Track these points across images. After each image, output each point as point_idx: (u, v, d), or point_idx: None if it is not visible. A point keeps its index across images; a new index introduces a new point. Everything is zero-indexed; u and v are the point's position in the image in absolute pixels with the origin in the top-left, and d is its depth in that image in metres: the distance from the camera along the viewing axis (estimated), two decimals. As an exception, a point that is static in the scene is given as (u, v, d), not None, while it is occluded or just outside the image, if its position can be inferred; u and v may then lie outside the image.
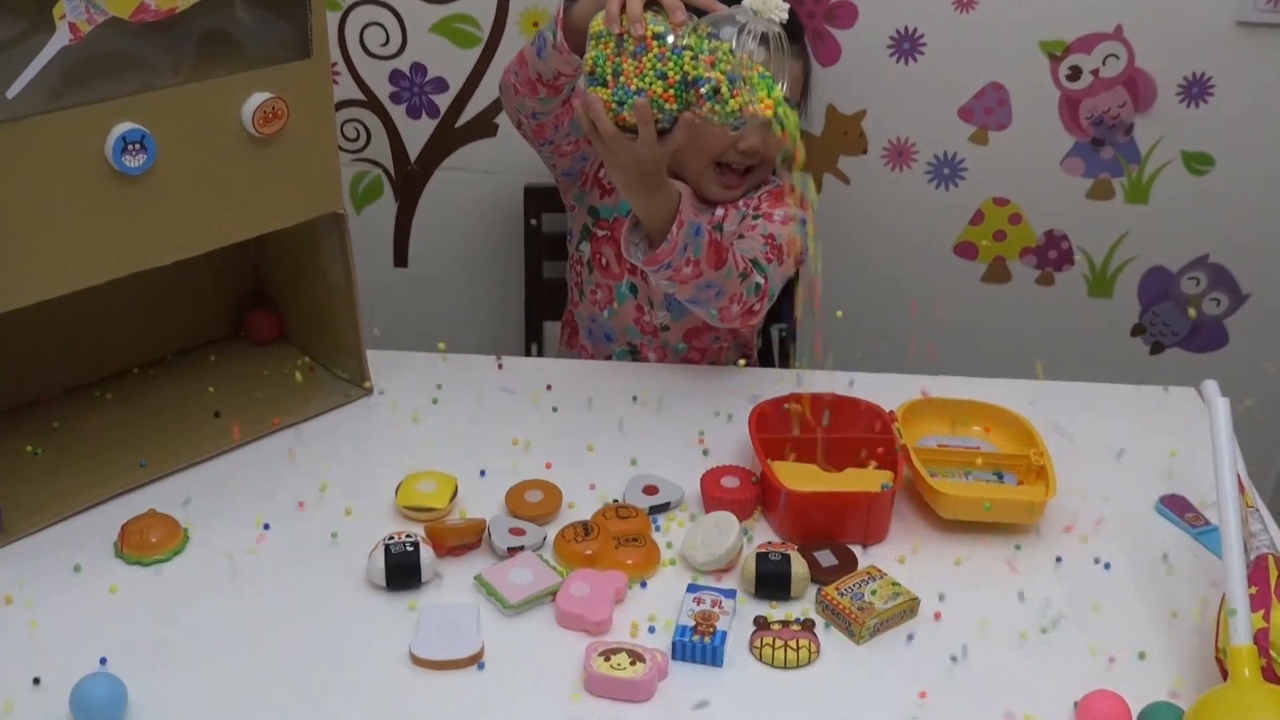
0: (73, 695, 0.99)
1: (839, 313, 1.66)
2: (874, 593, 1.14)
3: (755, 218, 1.58)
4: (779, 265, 1.50)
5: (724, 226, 1.59)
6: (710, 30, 1.22)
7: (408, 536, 1.16)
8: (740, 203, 1.61)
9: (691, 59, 1.21)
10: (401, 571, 1.14)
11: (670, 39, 1.21)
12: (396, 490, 1.27)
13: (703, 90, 1.21)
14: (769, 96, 1.21)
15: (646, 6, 1.22)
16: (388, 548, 1.14)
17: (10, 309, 1.16)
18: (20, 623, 1.11)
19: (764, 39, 1.22)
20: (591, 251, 1.66)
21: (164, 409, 1.43)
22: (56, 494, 1.27)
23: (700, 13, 1.24)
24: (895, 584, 1.15)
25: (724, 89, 1.21)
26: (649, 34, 1.21)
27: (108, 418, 1.41)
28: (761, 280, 1.46)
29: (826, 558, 1.20)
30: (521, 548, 1.19)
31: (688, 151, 1.56)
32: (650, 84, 1.22)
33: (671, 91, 1.22)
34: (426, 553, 1.15)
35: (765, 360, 1.84)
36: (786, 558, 1.16)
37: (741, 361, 1.66)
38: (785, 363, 1.86)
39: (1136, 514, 1.31)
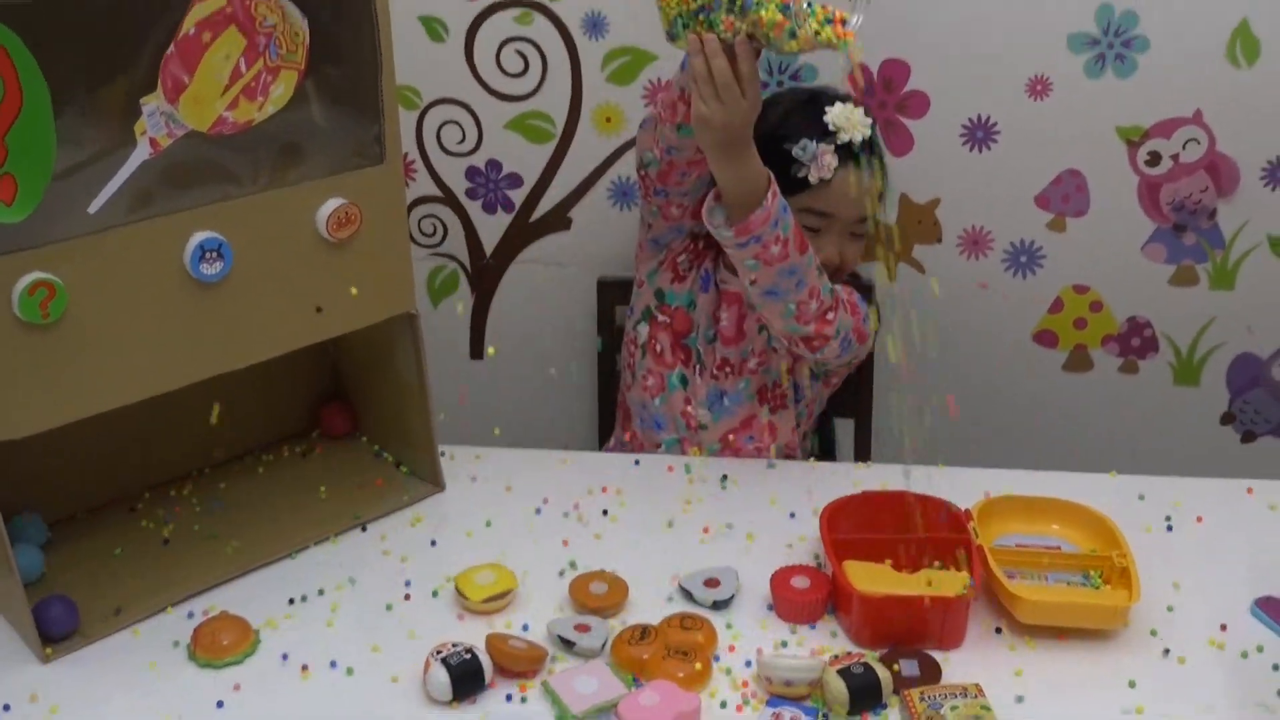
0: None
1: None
2: (954, 709, 1.10)
3: None
4: (841, 299, 1.50)
5: None
6: None
7: (455, 646, 1.15)
8: None
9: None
10: (468, 680, 1.13)
11: None
12: (455, 585, 1.28)
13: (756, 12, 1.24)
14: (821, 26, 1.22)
15: None
16: (445, 661, 1.13)
17: (91, 414, 1.18)
18: (93, 727, 1.13)
19: None
20: (649, 335, 1.65)
21: (239, 508, 1.45)
22: (133, 595, 1.29)
23: None
24: (986, 708, 1.10)
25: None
26: None
27: (186, 516, 1.43)
28: (833, 287, 1.46)
29: (910, 667, 1.17)
30: (574, 644, 1.19)
31: None
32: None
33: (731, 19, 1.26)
34: (485, 658, 1.14)
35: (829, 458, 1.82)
36: (867, 667, 1.13)
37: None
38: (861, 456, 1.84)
39: (1230, 617, 1.26)
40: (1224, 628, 1.24)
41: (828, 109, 1.52)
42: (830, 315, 1.46)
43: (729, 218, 1.37)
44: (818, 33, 1.21)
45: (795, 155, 1.50)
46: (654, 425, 1.67)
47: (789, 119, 1.55)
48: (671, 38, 1.34)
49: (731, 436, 1.62)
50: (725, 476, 1.51)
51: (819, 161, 1.50)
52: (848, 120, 1.51)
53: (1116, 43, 1.73)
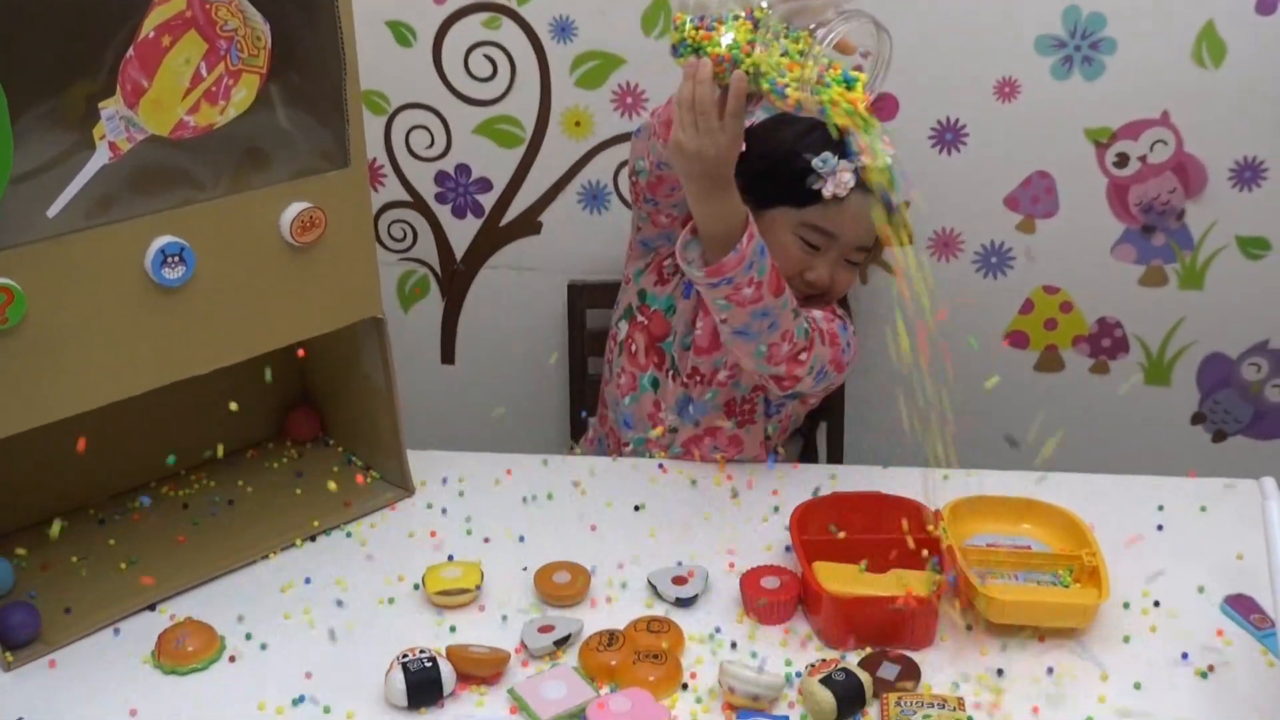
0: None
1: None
2: (926, 718, 1.09)
3: None
4: (818, 336, 1.45)
5: None
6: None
7: (422, 652, 1.14)
8: None
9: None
10: (423, 689, 1.12)
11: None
12: (422, 581, 1.28)
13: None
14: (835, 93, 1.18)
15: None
16: (405, 666, 1.12)
17: (53, 420, 1.17)
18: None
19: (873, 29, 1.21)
20: (627, 333, 1.65)
21: (204, 513, 1.44)
22: (96, 602, 1.28)
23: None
24: None
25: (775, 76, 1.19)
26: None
27: (148, 523, 1.42)
28: (808, 326, 1.41)
29: (889, 670, 1.16)
30: (567, 636, 1.20)
31: None
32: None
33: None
34: (446, 667, 1.13)
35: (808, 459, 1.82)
36: (848, 673, 1.12)
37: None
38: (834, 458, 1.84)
39: (1199, 615, 1.26)
40: (1187, 629, 1.24)
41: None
42: (803, 356, 1.41)
43: (704, 254, 1.34)
44: (824, 100, 1.18)
45: (815, 166, 1.47)
46: (624, 423, 1.67)
47: (813, 133, 1.51)
48: (675, 55, 1.29)
49: (695, 444, 1.61)
50: (694, 481, 1.51)
51: (837, 177, 1.48)
52: (873, 146, 1.48)
53: (1084, 45, 1.74)
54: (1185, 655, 1.20)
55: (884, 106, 1.80)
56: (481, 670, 1.14)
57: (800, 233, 1.51)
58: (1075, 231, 1.85)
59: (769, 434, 1.63)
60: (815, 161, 1.47)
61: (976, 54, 1.76)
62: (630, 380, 1.64)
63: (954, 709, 1.10)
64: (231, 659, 1.21)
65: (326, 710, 1.13)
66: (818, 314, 1.51)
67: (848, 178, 1.47)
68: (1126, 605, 1.26)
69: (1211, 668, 1.18)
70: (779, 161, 1.51)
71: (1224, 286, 1.87)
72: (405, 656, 1.13)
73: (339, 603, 1.29)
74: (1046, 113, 1.78)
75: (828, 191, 1.47)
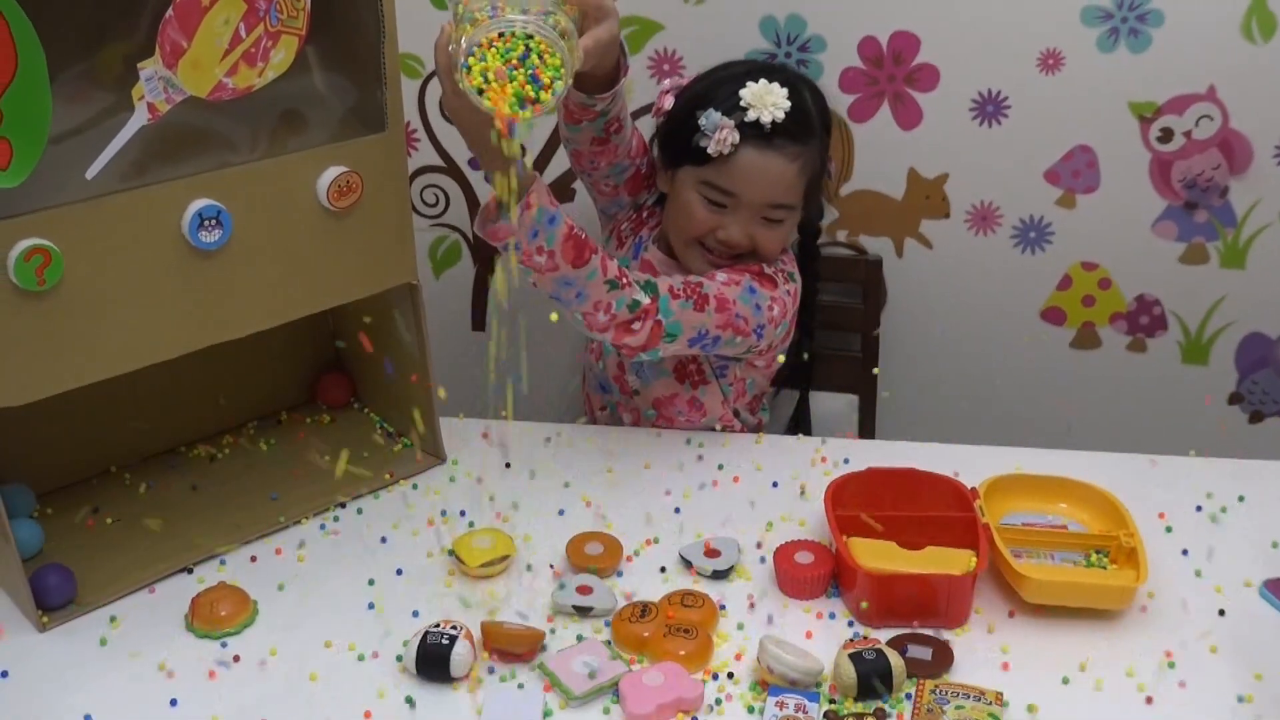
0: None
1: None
2: (959, 709, 1.07)
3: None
4: (686, 303, 1.41)
5: None
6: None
7: (453, 627, 1.13)
8: None
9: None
10: (430, 662, 1.11)
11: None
12: (454, 549, 1.27)
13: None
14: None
15: None
16: (425, 635, 1.12)
17: (88, 383, 1.17)
18: (89, 695, 1.12)
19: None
20: None
21: (237, 478, 1.44)
22: (130, 565, 1.28)
23: None
24: (994, 717, 1.06)
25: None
26: None
27: (182, 486, 1.42)
28: (645, 300, 1.37)
29: (920, 651, 1.15)
30: (591, 608, 1.20)
31: (670, 224, 1.55)
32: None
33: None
34: (463, 645, 1.11)
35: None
36: (880, 653, 1.11)
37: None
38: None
39: (1238, 599, 1.24)
40: (1224, 611, 1.23)
41: (748, 84, 1.44)
42: (636, 325, 1.37)
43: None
44: (480, 89, 1.12)
45: (700, 124, 1.45)
46: (599, 388, 1.66)
47: (716, 87, 1.48)
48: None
49: (662, 407, 1.60)
50: (727, 452, 1.50)
51: (719, 134, 1.44)
52: (760, 99, 1.43)
53: (1130, 16, 1.70)
54: (1224, 638, 1.19)
55: (924, 78, 1.78)
56: (516, 647, 1.14)
57: (702, 191, 1.49)
58: (1116, 207, 1.82)
59: (725, 396, 1.61)
60: (701, 119, 1.45)
61: (1020, 24, 1.73)
62: (599, 345, 1.64)
63: (990, 701, 1.08)
64: (264, 624, 1.21)
65: (360, 659, 1.14)
66: (720, 276, 1.47)
67: (727, 134, 1.44)
68: (1164, 587, 1.25)
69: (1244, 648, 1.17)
70: (677, 120, 1.51)
71: (1266, 266, 1.84)
72: (437, 626, 1.13)
73: (369, 570, 1.28)
74: (1090, 85, 1.75)
75: (711, 149, 1.45)
